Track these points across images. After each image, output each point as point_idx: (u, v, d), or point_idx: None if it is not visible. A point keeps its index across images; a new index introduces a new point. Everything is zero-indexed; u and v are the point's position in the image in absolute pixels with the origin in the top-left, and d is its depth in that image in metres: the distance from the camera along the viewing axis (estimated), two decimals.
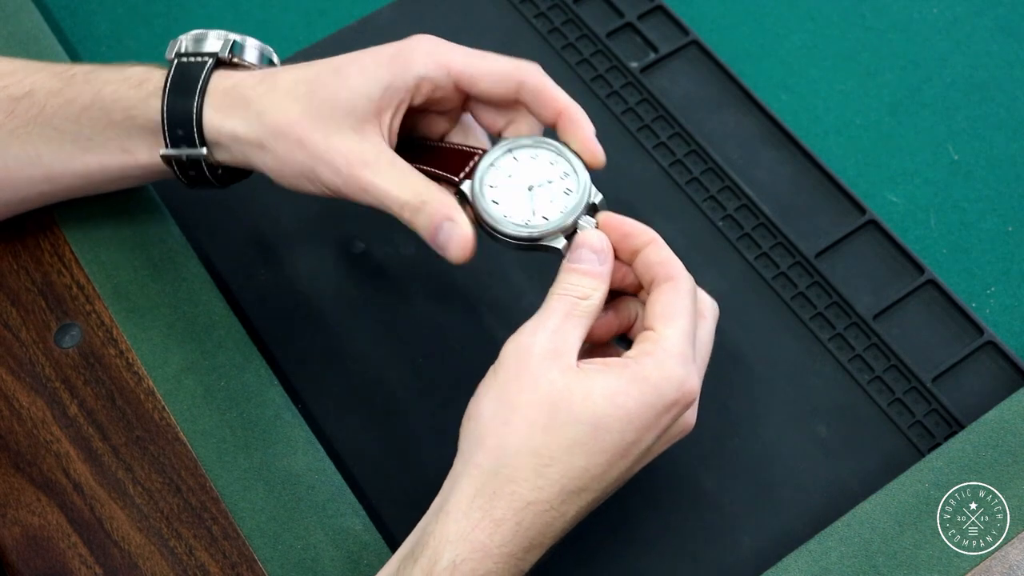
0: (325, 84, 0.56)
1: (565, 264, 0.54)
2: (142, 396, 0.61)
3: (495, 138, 0.59)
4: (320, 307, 0.67)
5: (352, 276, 0.68)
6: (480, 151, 0.57)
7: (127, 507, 0.58)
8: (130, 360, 0.62)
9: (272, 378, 0.62)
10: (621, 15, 0.77)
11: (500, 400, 0.50)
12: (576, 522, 0.52)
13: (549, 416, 0.49)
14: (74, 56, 0.73)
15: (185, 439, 0.60)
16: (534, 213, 0.55)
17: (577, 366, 0.51)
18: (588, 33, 0.76)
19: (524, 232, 0.55)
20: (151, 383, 0.62)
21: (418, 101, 0.57)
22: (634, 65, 0.75)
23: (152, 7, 0.82)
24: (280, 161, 0.57)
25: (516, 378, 0.50)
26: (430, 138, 0.60)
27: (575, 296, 0.52)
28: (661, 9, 0.77)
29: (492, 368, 0.52)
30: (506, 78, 0.56)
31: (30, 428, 0.60)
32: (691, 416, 0.53)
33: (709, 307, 0.56)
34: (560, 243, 0.55)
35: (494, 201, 0.56)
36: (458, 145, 0.59)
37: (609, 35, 0.76)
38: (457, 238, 0.54)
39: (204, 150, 0.58)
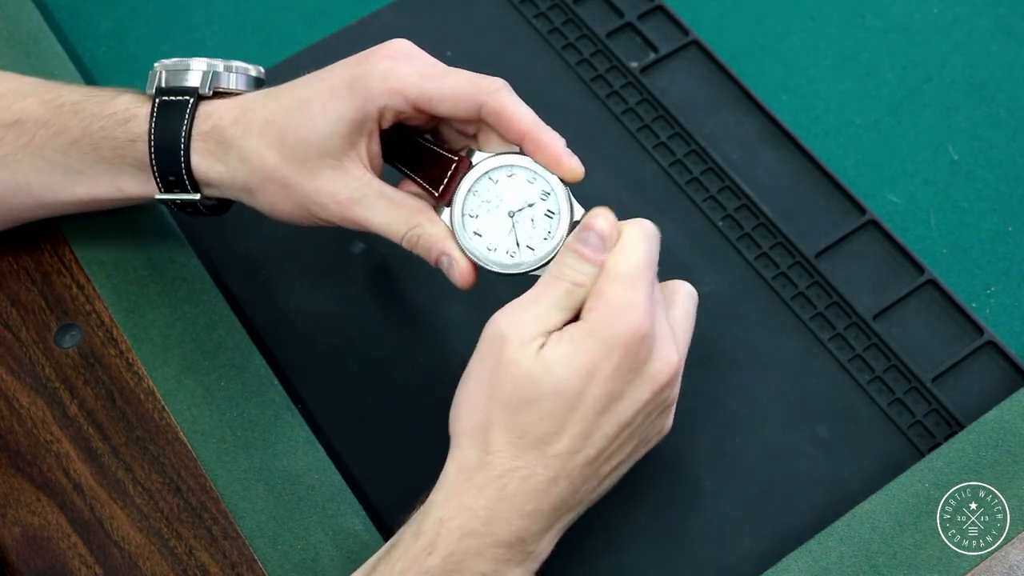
0: (294, 125, 0.56)
1: (571, 242, 0.53)
2: (142, 396, 0.61)
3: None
4: (320, 307, 0.67)
5: (352, 276, 0.68)
6: (456, 160, 0.56)
7: (127, 507, 0.58)
8: (130, 360, 0.62)
9: (272, 378, 0.62)
10: (621, 15, 0.77)
11: (477, 386, 0.52)
12: (586, 491, 0.52)
13: (517, 396, 0.51)
14: (74, 56, 0.73)
15: (185, 439, 0.60)
16: (518, 243, 0.55)
17: (542, 344, 0.51)
18: (588, 33, 0.76)
19: (508, 270, 0.55)
20: (151, 383, 0.62)
21: (387, 125, 0.57)
22: (634, 65, 0.75)
23: (152, 7, 0.82)
24: (271, 203, 0.58)
25: (491, 364, 0.51)
26: (417, 131, 0.59)
27: (571, 282, 0.52)
28: (661, 9, 0.77)
29: (475, 351, 0.53)
30: (465, 101, 0.55)
31: (30, 428, 0.60)
32: (666, 352, 0.52)
33: (685, 291, 0.56)
34: (545, 272, 0.54)
35: (476, 233, 0.56)
36: (440, 148, 0.58)
37: (609, 35, 0.76)
38: (456, 273, 0.56)
39: (197, 196, 0.59)
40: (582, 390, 0.50)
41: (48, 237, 0.66)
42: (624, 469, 0.55)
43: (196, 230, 0.69)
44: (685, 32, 0.76)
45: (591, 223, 0.53)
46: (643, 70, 0.75)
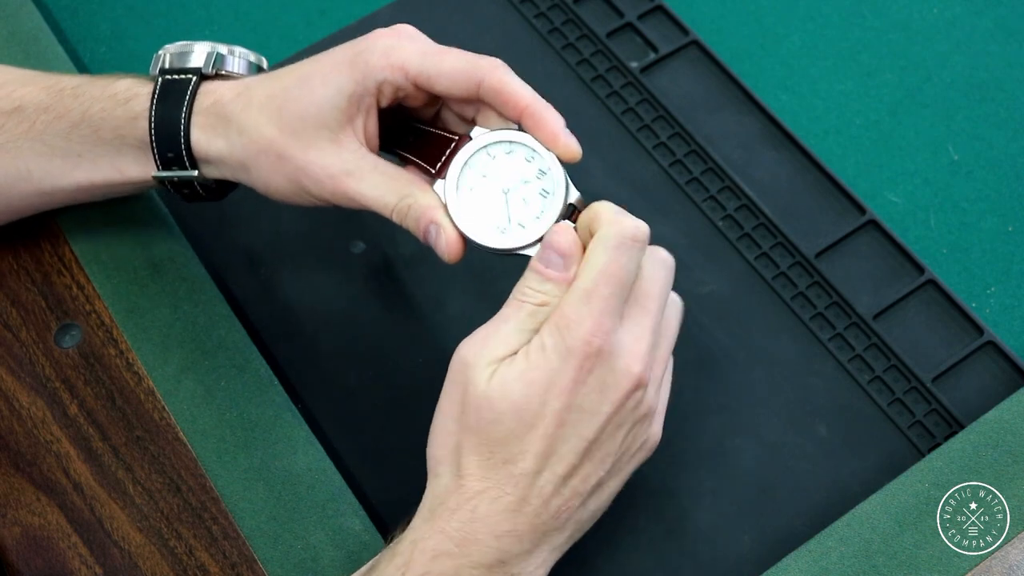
0: (293, 98, 0.56)
1: (532, 262, 0.53)
2: (142, 396, 0.61)
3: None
4: (320, 307, 0.67)
5: (352, 276, 0.68)
6: (456, 138, 0.56)
7: (127, 507, 0.58)
8: (130, 360, 0.62)
9: (272, 378, 0.62)
10: (621, 15, 0.77)
11: (447, 414, 0.52)
12: (568, 510, 0.52)
13: (481, 417, 0.51)
14: (74, 56, 0.73)
15: (185, 439, 0.60)
16: (509, 220, 0.54)
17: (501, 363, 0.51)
18: (588, 33, 0.76)
19: (497, 245, 0.54)
20: (151, 383, 0.62)
21: (385, 103, 0.57)
22: (634, 65, 0.75)
23: (152, 7, 0.82)
24: (266, 179, 0.57)
25: (458, 390, 0.52)
26: (417, 118, 0.59)
27: (533, 304, 0.52)
28: (661, 9, 0.77)
29: (445, 380, 0.53)
30: (464, 78, 0.55)
31: (30, 428, 0.60)
32: (625, 363, 0.51)
33: (674, 303, 0.56)
34: (535, 251, 0.54)
35: (469, 207, 0.55)
36: (439, 129, 0.58)
37: (609, 35, 0.76)
38: (443, 243, 0.55)
39: (195, 172, 0.59)
40: (540, 406, 0.50)
41: (48, 236, 0.66)
42: (613, 486, 0.54)
43: (196, 230, 0.69)
44: (685, 32, 0.76)
45: (551, 241, 0.52)
46: (643, 70, 0.75)
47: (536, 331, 0.52)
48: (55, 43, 0.72)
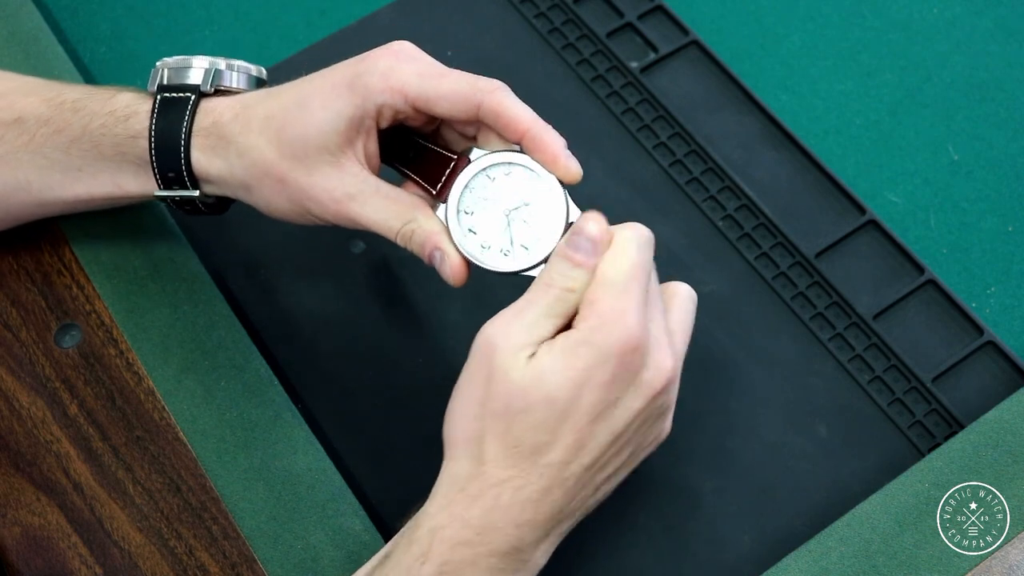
0: (292, 121, 0.56)
1: (561, 248, 0.53)
2: (142, 396, 0.61)
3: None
4: (320, 307, 0.67)
5: (352, 276, 0.68)
6: (455, 158, 0.56)
7: (127, 507, 0.58)
8: (130, 360, 0.62)
9: (272, 378, 0.62)
10: (621, 15, 0.77)
11: (469, 396, 0.52)
12: (582, 499, 0.52)
13: (509, 406, 0.50)
14: (74, 56, 0.73)
15: (185, 439, 0.60)
16: (512, 242, 0.55)
17: (533, 353, 0.51)
18: (588, 33, 0.76)
19: (501, 268, 0.55)
20: (151, 383, 0.62)
21: (385, 124, 0.56)
22: (634, 65, 0.75)
23: (152, 7, 0.82)
24: (268, 199, 0.57)
25: (482, 373, 0.51)
26: (418, 133, 0.59)
27: (561, 288, 0.51)
28: (661, 9, 0.77)
29: (467, 361, 0.52)
30: (463, 101, 0.54)
31: (30, 428, 0.61)
32: (659, 359, 0.51)
33: (684, 293, 0.56)
34: (539, 272, 0.54)
35: (470, 230, 0.55)
36: (439, 147, 0.58)
37: (609, 35, 0.76)
38: (447, 269, 0.55)
39: (196, 192, 0.59)
40: (574, 399, 0.50)
41: (48, 237, 0.66)
42: (621, 476, 0.54)
43: (196, 230, 0.69)
44: (685, 32, 0.76)
45: (581, 227, 0.52)
46: (643, 70, 0.75)
47: (563, 316, 0.51)
48: (55, 43, 0.72)
